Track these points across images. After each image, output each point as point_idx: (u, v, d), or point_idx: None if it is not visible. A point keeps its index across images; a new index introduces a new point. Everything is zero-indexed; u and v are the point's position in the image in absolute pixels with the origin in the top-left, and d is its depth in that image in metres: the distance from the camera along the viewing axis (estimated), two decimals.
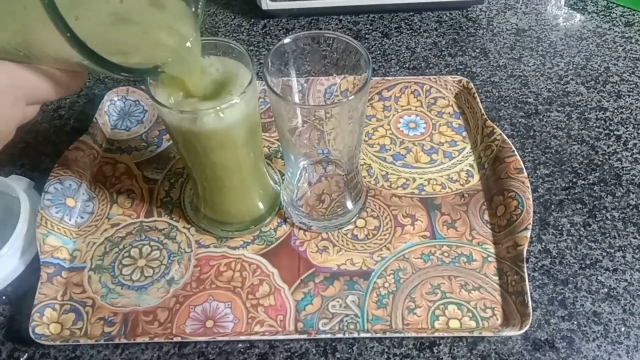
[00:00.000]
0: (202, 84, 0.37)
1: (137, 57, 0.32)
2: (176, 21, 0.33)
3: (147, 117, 0.58)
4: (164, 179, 0.52)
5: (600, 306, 0.43)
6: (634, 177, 0.51)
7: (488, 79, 0.62)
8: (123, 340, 0.41)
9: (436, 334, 0.41)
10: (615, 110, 0.58)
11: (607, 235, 0.47)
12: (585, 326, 0.42)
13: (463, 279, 0.44)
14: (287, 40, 0.38)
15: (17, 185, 0.48)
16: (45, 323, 0.42)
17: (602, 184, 0.51)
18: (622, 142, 0.55)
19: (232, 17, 0.73)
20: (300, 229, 0.48)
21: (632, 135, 0.55)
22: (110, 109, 0.58)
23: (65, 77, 0.30)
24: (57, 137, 0.57)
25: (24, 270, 0.46)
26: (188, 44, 0.33)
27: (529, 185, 0.47)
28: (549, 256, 0.46)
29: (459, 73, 0.63)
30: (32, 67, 0.28)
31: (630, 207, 0.49)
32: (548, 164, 0.53)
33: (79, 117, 0.59)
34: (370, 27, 0.70)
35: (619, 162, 0.53)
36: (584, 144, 0.55)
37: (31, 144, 0.57)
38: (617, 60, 0.64)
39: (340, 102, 0.34)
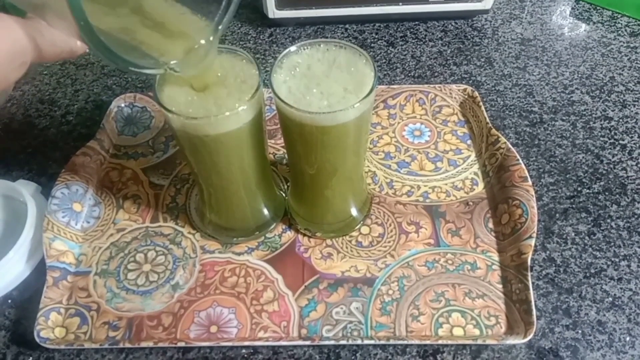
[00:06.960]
0: (204, 83, 0.37)
1: (144, 52, 0.32)
2: (191, 25, 0.34)
3: (154, 123, 0.59)
4: (170, 184, 0.53)
5: (604, 315, 0.43)
6: (639, 187, 0.51)
7: (493, 88, 0.62)
8: (127, 345, 0.41)
9: (440, 342, 0.41)
10: (620, 120, 0.58)
11: (612, 244, 0.47)
12: (589, 335, 0.42)
13: (467, 287, 0.44)
14: (293, 48, 0.39)
15: (25, 189, 0.49)
16: (50, 327, 0.42)
17: (607, 193, 0.51)
18: (627, 151, 0.55)
19: (239, 25, 0.74)
20: (304, 235, 0.48)
21: (637, 145, 0.55)
22: (118, 115, 0.58)
23: (71, 43, 0.31)
24: (65, 143, 0.58)
25: (30, 274, 0.46)
26: (196, 48, 0.34)
27: (533, 193, 0.47)
28: (554, 265, 0.46)
29: (464, 82, 0.63)
30: (44, 34, 0.29)
31: (635, 216, 0.49)
32: (553, 173, 0.53)
33: (87, 123, 0.60)
34: (376, 36, 0.71)
35: (624, 172, 0.53)
36: (589, 153, 0.55)
37: (39, 149, 0.57)
38: (622, 70, 0.64)
39: (343, 110, 0.35)
